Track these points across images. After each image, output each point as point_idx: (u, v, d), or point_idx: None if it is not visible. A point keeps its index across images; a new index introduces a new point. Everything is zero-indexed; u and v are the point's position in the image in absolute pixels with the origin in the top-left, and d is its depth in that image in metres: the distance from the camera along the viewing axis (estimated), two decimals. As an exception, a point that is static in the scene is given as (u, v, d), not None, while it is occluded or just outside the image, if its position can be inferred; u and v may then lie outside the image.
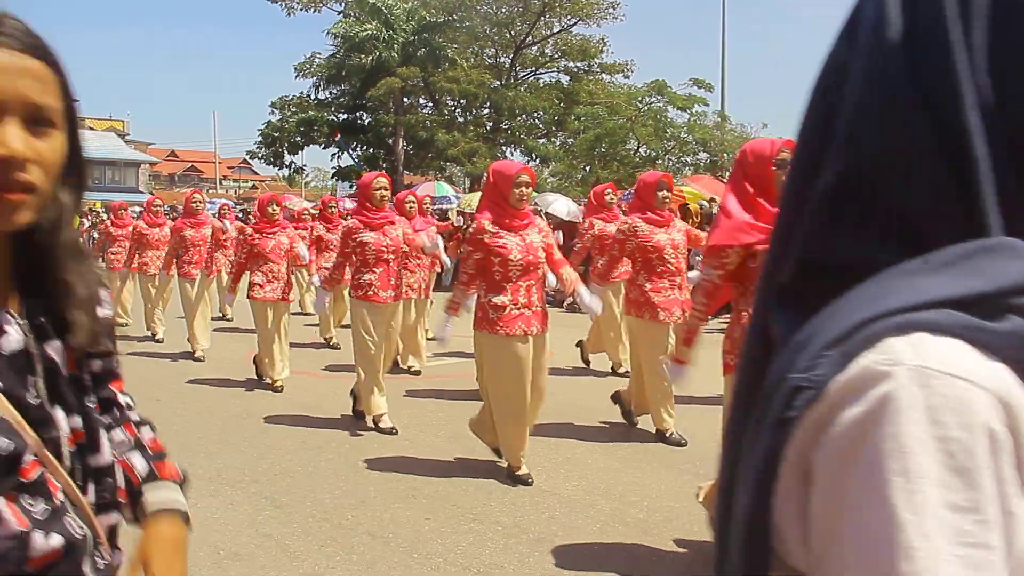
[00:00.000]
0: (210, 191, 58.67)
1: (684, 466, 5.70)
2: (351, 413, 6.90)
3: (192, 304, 9.66)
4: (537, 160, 35.02)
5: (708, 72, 55.95)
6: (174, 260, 10.01)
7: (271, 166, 37.72)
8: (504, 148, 35.20)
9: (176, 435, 6.42)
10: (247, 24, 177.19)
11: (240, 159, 65.59)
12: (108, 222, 12.64)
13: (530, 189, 5.32)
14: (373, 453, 5.95)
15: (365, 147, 35.86)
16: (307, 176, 53.03)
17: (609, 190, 9.14)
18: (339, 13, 35.76)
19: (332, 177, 38.64)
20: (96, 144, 53.96)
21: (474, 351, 5.54)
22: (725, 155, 29.27)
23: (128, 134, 63.62)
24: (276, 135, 35.40)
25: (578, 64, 35.47)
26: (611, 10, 34.41)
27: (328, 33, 34.35)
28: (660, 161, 30.73)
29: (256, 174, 73.46)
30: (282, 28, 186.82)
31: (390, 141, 34.77)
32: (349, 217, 7.49)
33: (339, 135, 34.55)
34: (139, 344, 10.53)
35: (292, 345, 8.67)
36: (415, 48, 33.02)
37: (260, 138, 35.93)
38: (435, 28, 33.02)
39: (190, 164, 78.03)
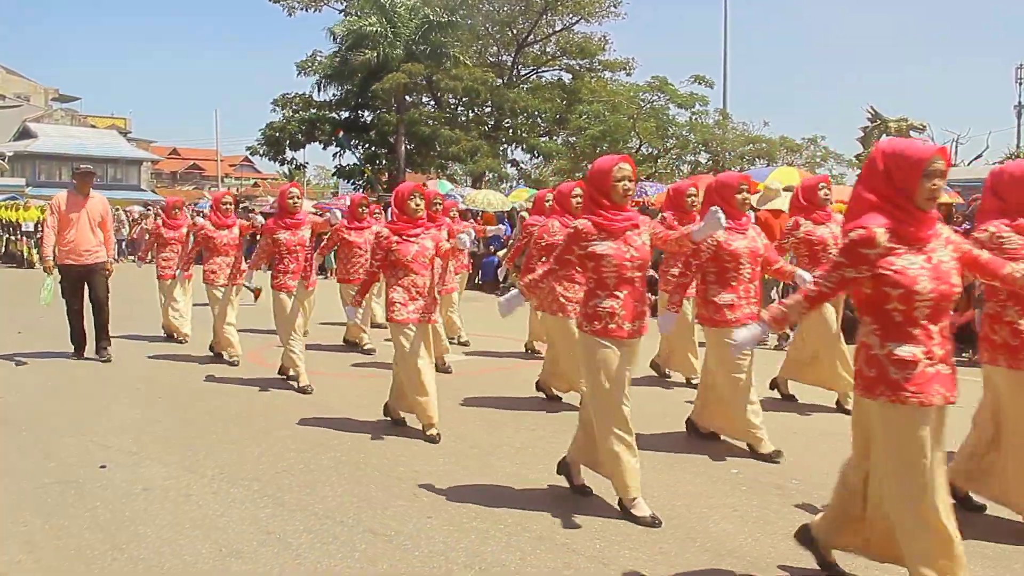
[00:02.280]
0: (211, 189, 58.68)
1: (686, 465, 5.70)
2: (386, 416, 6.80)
3: (287, 322, 8.01)
4: (540, 158, 35.03)
5: (710, 70, 55.85)
6: (260, 267, 8.56)
7: (272, 162, 37.77)
8: (506, 146, 35.20)
9: (178, 433, 6.43)
10: (249, 22, 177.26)
11: (242, 157, 65.57)
12: (159, 222, 11.53)
13: (633, 183, 4.70)
14: (375, 451, 5.95)
15: (367, 145, 35.88)
16: (308, 174, 53.00)
17: (693, 188, 8.08)
18: (340, 12, 35.78)
19: (333, 175, 38.67)
20: (98, 142, 54.08)
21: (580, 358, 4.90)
22: (727, 154, 29.28)
23: (130, 132, 63.67)
24: (278, 134, 35.43)
25: (580, 62, 35.46)
26: (612, 8, 34.43)
27: (329, 31, 34.37)
28: (661, 159, 30.75)
29: (258, 172, 73.47)
30: (284, 26, 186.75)
31: (392, 139, 34.77)
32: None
33: (341, 133, 34.56)
34: (149, 344, 10.53)
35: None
36: (418, 46, 33.02)
37: (262, 137, 35.95)
38: (438, 26, 33.02)
39: (192, 162, 78.05)
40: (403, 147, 34.34)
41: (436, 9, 33.28)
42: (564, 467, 5.12)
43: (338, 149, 35.82)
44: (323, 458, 5.80)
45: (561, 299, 6.92)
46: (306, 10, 35.94)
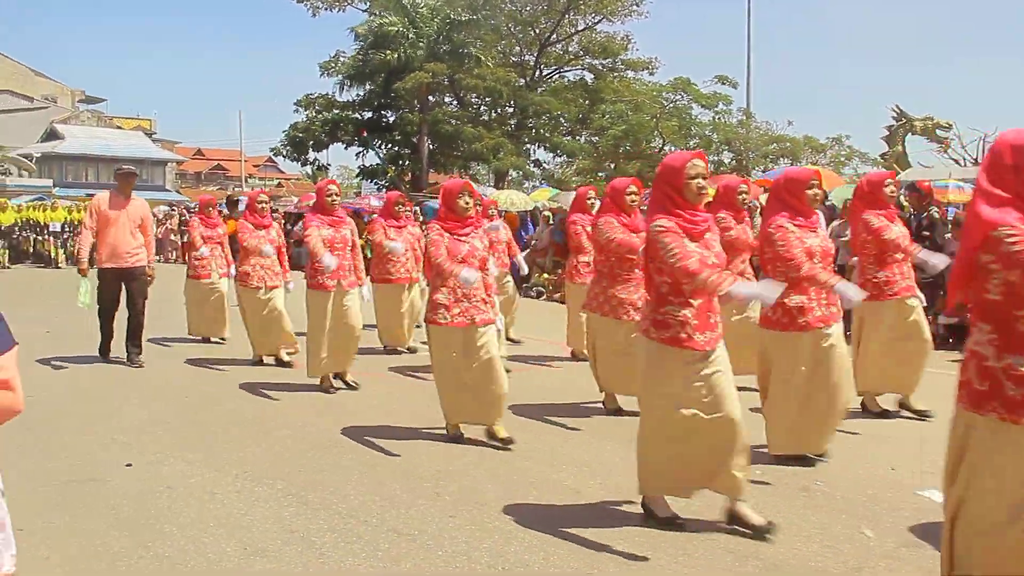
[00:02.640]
0: (235, 189, 59.05)
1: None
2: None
3: (319, 322, 7.68)
4: (562, 157, 34.99)
5: (734, 69, 55.67)
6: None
7: (296, 163, 37.94)
8: (528, 146, 35.20)
9: (202, 432, 6.47)
10: (273, 23, 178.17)
11: (265, 157, 65.87)
12: (195, 221, 11.11)
13: (707, 180, 4.34)
14: (399, 451, 5.95)
15: (390, 145, 35.98)
16: (331, 175, 53.18)
17: (743, 185, 7.85)
18: (364, 11, 35.90)
19: (357, 175, 38.80)
20: (124, 143, 54.55)
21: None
22: (750, 154, 29.14)
23: (155, 133, 64.14)
24: (301, 135, 35.59)
25: (602, 62, 35.40)
26: (635, 7, 34.37)
27: (351, 31, 34.49)
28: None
29: (281, 172, 73.78)
30: (307, 27, 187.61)
31: (415, 139, 34.84)
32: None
33: (364, 133, 34.68)
34: (176, 345, 10.59)
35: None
36: (440, 46, 33.07)
37: (286, 138, 36.13)
38: (460, 26, 33.06)
39: (216, 163, 78.47)
40: (426, 147, 34.41)
41: (458, 9, 33.32)
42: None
43: (361, 149, 35.96)
44: (347, 457, 5.82)
45: (614, 300, 6.72)
46: (330, 10, 36.13)
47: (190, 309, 10.81)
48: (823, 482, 5.27)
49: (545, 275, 16.64)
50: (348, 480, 5.32)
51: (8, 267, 24.51)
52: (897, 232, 6.48)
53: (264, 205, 9.48)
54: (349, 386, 7.97)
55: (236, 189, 58.09)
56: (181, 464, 5.63)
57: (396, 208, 9.82)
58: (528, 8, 34.89)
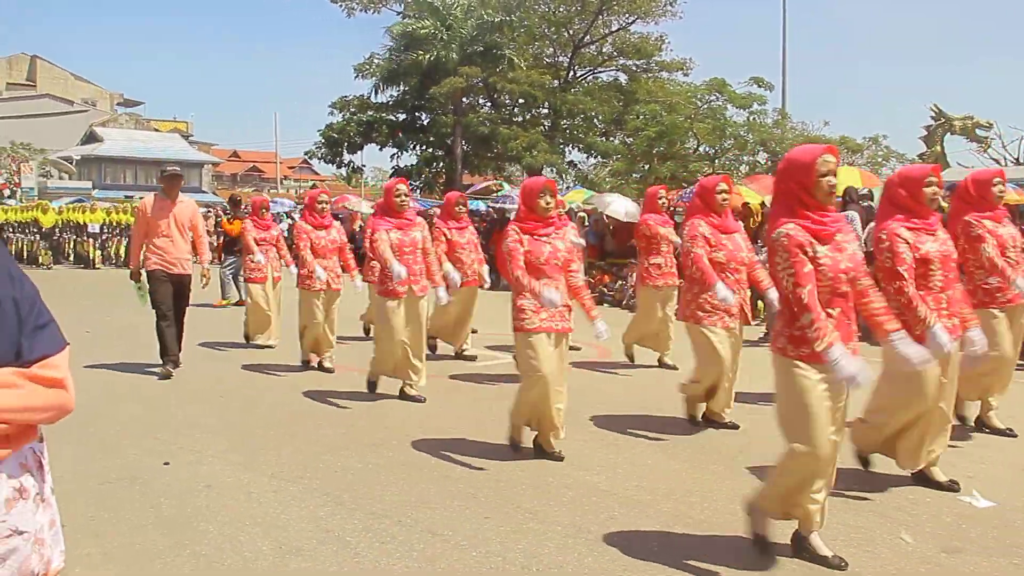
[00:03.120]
0: (271, 191, 59.52)
1: (746, 467, 5.63)
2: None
3: (389, 330, 7.33)
4: (596, 158, 34.91)
5: (769, 68, 55.27)
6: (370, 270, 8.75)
7: (330, 165, 38.17)
8: (563, 146, 35.15)
9: (239, 432, 6.53)
10: (308, 25, 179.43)
11: (301, 159, 66.38)
12: (247, 224, 10.91)
13: (836, 178, 3.93)
14: (433, 451, 5.97)
15: (424, 147, 36.10)
16: (366, 176, 53.49)
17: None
18: (398, 14, 36.05)
19: (391, 177, 39.01)
20: (161, 145, 55.23)
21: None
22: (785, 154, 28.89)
23: (192, 135, 64.91)
24: (337, 136, 35.80)
25: (636, 63, 35.28)
26: (669, 7, 34.20)
27: (387, 31, 34.65)
28: (719, 160, 30.49)
29: (317, 174, 74.29)
30: (342, 29, 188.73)
31: (449, 141, 34.93)
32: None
33: (398, 135, 34.83)
34: (216, 347, 10.68)
35: (352, 339, 8.75)
36: (473, 47, 33.12)
37: (321, 139, 36.36)
38: (493, 27, 33.09)
39: (252, 164, 79.18)
40: (460, 148, 34.49)
41: (491, 10, 33.35)
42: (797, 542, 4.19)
43: (395, 151, 36.14)
44: (381, 458, 5.85)
45: (708, 306, 6.38)
46: (365, 11, 36.30)
47: (247, 313, 10.72)
48: (859, 485, 5.22)
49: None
50: (383, 480, 5.34)
51: (49, 267, 24.91)
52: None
53: (324, 205, 9.11)
54: (410, 398, 7.54)
55: (272, 191, 58.66)
56: (219, 464, 5.69)
57: (456, 209, 9.58)
58: (561, 9, 34.85)
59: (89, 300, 15.35)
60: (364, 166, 40.06)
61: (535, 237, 5.66)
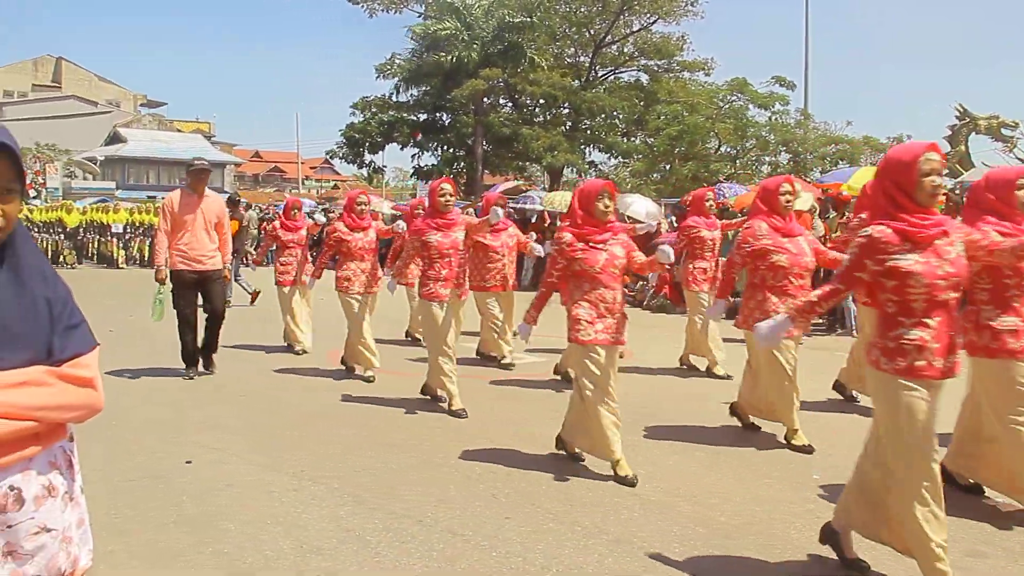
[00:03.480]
0: (292, 191, 59.79)
1: (766, 470, 5.61)
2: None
3: (438, 337, 7.15)
4: (618, 158, 34.86)
5: (791, 68, 55.02)
6: (407, 271, 8.38)
7: (352, 164, 38.29)
8: (584, 147, 35.11)
9: (261, 432, 6.56)
10: (329, 26, 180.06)
11: (322, 159, 66.64)
12: (277, 224, 10.75)
13: (942, 180, 3.68)
14: (454, 451, 5.98)
15: (445, 147, 36.16)
16: (386, 177, 53.66)
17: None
18: (419, 15, 36.13)
19: (412, 177, 39.07)
20: (184, 145, 55.53)
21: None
22: (810, 155, 28.76)
23: (214, 135, 65.31)
24: (358, 136, 35.90)
25: (658, 63, 35.19)
26: (691, 7, 34.09)
27: (408, 31, 34.71)
28: (740, 160, 30.38)
29: (338, 174, 74.57)
30: (363, 29, 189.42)
31: (470, 141, 34.96)
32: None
33: (419, 135, 34.89)
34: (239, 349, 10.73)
35: (377, 341, 8.72)
36: (494, 47, 33.13)
37: (343, 139, 36.47)
38: (514, 28, 33.08)
39: (273, 164, 79.54)
40: (481, 148, 34.51)
41: (512, 10, 33.34)
42: (830, 536, 4.12)
43: (416, 151, 36.21)
44: (402, 458, 5.86)
45: (772, 313, 5.85)
46: (386, 11, 36.37)
47: (283, 314, 10.45)
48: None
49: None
50: (404, 480, 5.35)
51: (73, 267, 25.13)
52: None
53: (363, 206, 8.73)
54: (455, 415, 7.09)
55: (293, 191, 58.90)
56: (240, 463, 5.72)
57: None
58: (583, 9, 34.80)
59: (112, 300, 15.47)
60: (385, 166, 40.04)
61: (591, 244, 5.32)
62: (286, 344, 10.41)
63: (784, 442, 6.17)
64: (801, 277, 6.04)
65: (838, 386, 7.57)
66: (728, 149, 30.75)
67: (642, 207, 17.19)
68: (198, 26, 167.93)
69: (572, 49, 37.04)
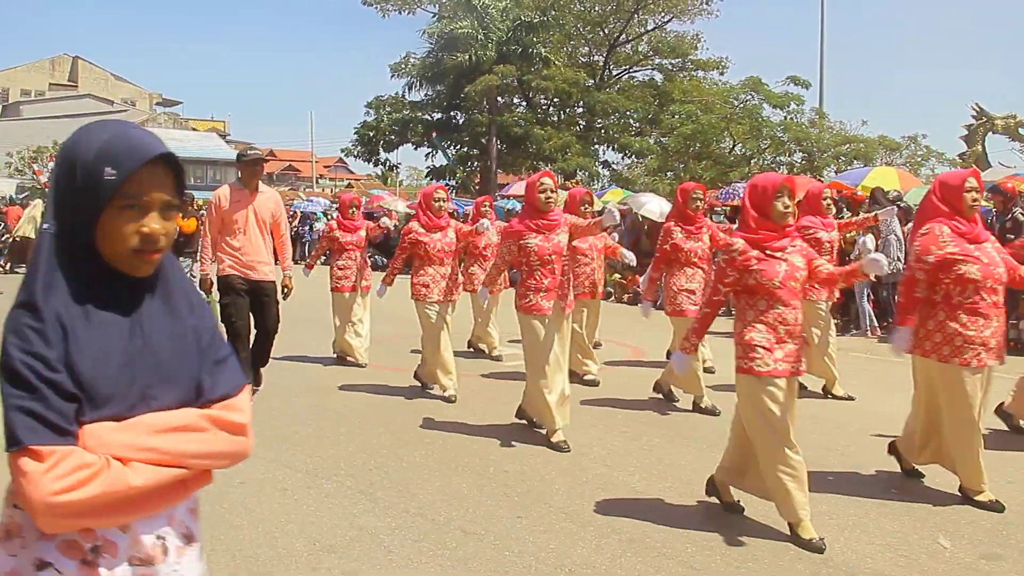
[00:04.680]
0: (306, 190, 59.95)
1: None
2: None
3: (540, 353, 6.09)
4: (631, 157, 34.80)
5: (807, 67, 54.85)
6: (499, 277, 7.16)
7: (366, 163, 38.34)
8: (597, 147, 35.08)
9: (274, 429, 6.57)
10: (343, 25, 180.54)
11: (336, 158, 66.81)
12: (333, 223, 9.67)
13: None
14: (466, 451, 5.98)
15: (459, 146, 36.16)
16: (399, 175, 53.74)
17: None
18: (433, 15, 36.14)
19: (426, 176, 39.09)
20: (199, 144, 55.87)
21: None
22: (824, 154, 28.66)
23: (229, 134, 65.56)
24: (371, 134, 35.92)
25: (672, 62, 35.14)
26: (705, 6, 34.03)
27: (424, 33, 34.71)
28: (755, 160, 30.28)
29: (352, 173, 74.69)
30: (378, 29, 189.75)
31: (483, 140, 34.95)
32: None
33: (433, 134, 34.90)
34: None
35: (378, 340, 8.75)
36: (509, 46, 33.11)
37: (356, 137, 36.50)
38: (529, 27, 33.06)
39: (288, 163, 79.76)
40: (495, 148, 34.49)
41: (527, 10, 33.31)
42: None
43: (430, 150, 36.21)
44: (415, 456, 5.86)
45: (959, 338, 5.05)
46: (400, 12, 36.40)
47: (336, 324, 9.38)
48: (897, 490, 5.16)
49: (616, 275, 16.51)
50: (417, 479, 5.35)
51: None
52: None
53: (441, 203, 7.69)
54: (555, 447, 6.05)
55: (308, 190, 59.00)
56: (254, 460, 5.71)
57: (582, 208, 8.37)
58: (597, 8, 34.77)
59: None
60: (399, 164, 40.06)
61: (767, 253, 4.37)
62: (336, 356, 9.43)
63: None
64: (995, 292, 4.82)
65: (1003, 414, 6.53)
66: (742, 150, 30.65)
67: (656, 206, 17.13)
68: (214, 25, 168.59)
69: (586, 48, 37.03)
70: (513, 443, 6.18)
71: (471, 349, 10.02)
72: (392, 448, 6.05)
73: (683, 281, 7.33)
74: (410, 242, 7.55)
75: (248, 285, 7.19)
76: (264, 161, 7.54)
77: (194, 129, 61.07)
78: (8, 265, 21.35)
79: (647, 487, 5.22)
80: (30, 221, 20.46)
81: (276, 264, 7.59)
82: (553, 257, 6.03)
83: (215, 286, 7.36)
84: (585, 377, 8.23)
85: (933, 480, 5.28)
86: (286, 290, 7.55)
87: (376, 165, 38.01)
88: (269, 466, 5.59)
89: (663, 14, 34.53)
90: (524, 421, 6.61)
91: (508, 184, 28.95)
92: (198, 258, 8.29)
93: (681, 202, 7.48)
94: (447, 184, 35.56)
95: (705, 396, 7.17)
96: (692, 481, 5.33)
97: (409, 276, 7.69)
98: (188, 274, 6.76)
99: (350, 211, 9.36)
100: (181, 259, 14.03)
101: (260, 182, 7.40)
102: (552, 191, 6.11)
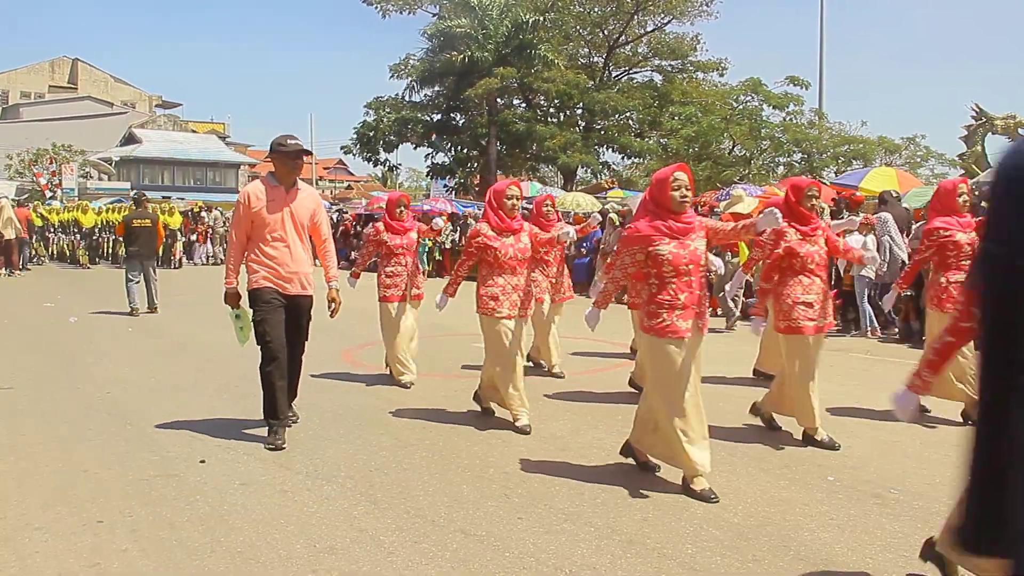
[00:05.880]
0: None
1: (780, 471, 5.59)
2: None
3: (676, 384, 5.08)
4: (631, 158, 34.83)
5: (806, 67, 54.85)
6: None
7: (367, 162, 38.31)
8: (598, 147, 35.10)
9: (274, 430, 6.56)
10: (342, 27, 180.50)
11: (336, 160, 66.88)
12: (380, 225, 8.50)
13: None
14: (467, 452, 5.98)
15: (459, 147, 36.17)
16: (399, 175, 53.77)
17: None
18: (433, 15, 36.16)
19: (427, 176, 39.10)
20: (198, 146, 55.91)
21: None
22: (823, 155, 28.70)
23: (228, 136, 65.57)
24: (371, 134, 35.90)
25: (671, 63, 35.16)
26: (705, 7, 34.06)
27: (423, 33, 34.72)
28: (755, 161, 30.33)
29: (351, 174, 74.74)
30: (377, 30, 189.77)
31: (483, 141, 34.96)
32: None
33: (434, 136, 34.91)
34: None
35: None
36: (508, 46, 33.11)
37: (355, 135, 36.46)
38: (528, 27, 33.06)
39: (288, 165, 79.71)
40: (494, 148, 34.48)
41: (526, 10, 33.31)
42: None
43: (430, 150, 36.22)
44: (416, 457, 5.86)
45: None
46: (400, 12, 36.39)
47: (385, 339, 8.42)
48: (898, 490, 5.16)
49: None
50: (418, 480, 5.35)
51: (88, 267, 25.27)
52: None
53: (514, 201, 6.63)
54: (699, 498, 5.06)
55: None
56: (254, 462, 5.73)
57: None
58: (596, 9, 34.79)
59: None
60: (399, 165, 40.03)
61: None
62: (389, 373, 8.51)
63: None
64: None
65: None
66: (742, 151, 30.69)
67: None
68: (213, 27, 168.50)
69: (586, 49, 37.05)
70: (513, 444, 6.18)
71: (530, 363, 8.67)
72: (392, 449, 6.04)
73: (799, 292, 6.19)
74: (477, 247, 6.58)
75: (284, 301, 6.15)
76: (307, 153, 6.36)
77: (194, 131, 61.10)
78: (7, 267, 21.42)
79: (647, 488, 5.21)
80: (7, 223, 20.73)
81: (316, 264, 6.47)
82: (691, 267, 5.05)
83: (243, 299, 6.35)
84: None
85: (933, 480, 5.28)
86: (333, 305, 6.47)
87: (376, 166, 38.01)
88: (268, 467, 5.59)
89: (662, 15, 34.54)
90: (636, 464, 5.61)
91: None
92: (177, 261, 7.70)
93: (794, 200, 6.26)
94: (446, 185, 35.60)
95: (820, 428, 6.24)
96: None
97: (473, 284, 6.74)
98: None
99: (398, 211, 8.32)
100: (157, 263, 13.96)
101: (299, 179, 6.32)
102: (686, 188, 5.09)
